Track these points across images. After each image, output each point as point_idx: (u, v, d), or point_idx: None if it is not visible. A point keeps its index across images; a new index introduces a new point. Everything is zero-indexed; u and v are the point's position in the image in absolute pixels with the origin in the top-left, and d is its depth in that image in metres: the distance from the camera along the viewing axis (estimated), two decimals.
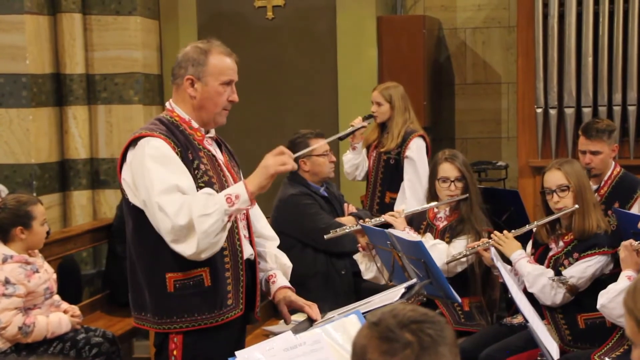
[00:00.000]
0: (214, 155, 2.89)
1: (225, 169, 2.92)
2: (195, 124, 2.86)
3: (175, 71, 2.87)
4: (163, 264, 2.76)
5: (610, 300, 3.26)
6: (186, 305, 2.78)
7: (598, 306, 3.33)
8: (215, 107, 2.84)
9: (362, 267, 4.21)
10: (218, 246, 2.70)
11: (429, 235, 4.15)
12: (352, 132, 4.98)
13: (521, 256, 3.74)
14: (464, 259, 3.93)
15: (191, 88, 2.82)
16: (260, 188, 2.74)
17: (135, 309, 2.91)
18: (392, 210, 4.82)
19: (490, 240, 3.78)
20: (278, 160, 2.74)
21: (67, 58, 5.74)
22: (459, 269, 4.01)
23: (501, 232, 3.84)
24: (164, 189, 2.65)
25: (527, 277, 3.67)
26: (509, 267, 3.74)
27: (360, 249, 4.19)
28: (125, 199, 2.83)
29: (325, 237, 4.19)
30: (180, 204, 2.64)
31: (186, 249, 2.65)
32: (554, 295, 3.62)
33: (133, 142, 2.77)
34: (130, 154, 2.78)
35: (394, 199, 4.95)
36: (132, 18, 5.93)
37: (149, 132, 2.76)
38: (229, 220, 2.70)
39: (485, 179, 6.32)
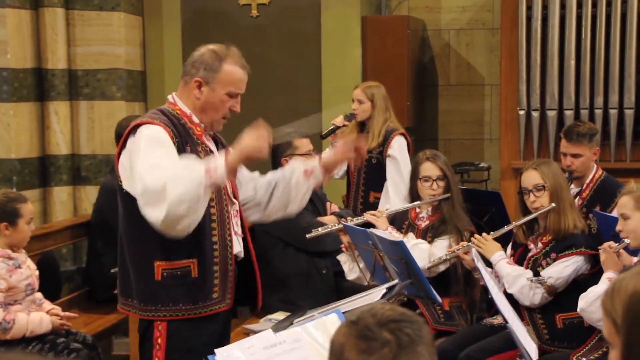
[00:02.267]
0: (211, 151, 2.93)
1: None
2: (196, 119, 2.91)
3: (187, 68, 2.91)
4: (153, 252, 2.81)
5: (590, 304, 3.28)
6: (171, 294, 2.82)
7: (578, 309, 3.36)
8: (215, 114, 2.90)
9: (345, 267, 4.20)
10: (189, 221, 2.63)
11: (411, 235, 4.15)
12: (334, 131, 4.98)
13: (501, 257, 3.76)
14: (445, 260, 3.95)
15: (197, 90, 2.87)
16: (234, 168, 2.72)
17: (123, 295, 2.97)
18: (376, 209, 4.84)
19: (470, 243, 3.80)
20: (256, 146, 2.72)
21: (49, 53, 5.70)
22: (441, 268, 4.03)
23: (482, 233, 3.87)
24: (151, 163, 2.68)
25: (506, 278, 3.70)
26: (489, 268, 3.75)
27: (344, 248, 4.19)
28: (119, 186, 2.87)
29: (307, 236, 4.19)
30: (159, 174, 2.64)
31: (154, 213, 2.62)
32: (532, 295, 3.65)
33: (133, 130, 2.82)
34: (130, 141, 2.82)
35: (379, 199, 4.95)
36: (115, 14, 5.89)
37: (149, 120, 2.81)
38: (204, 193, 2.65)
39: (468, 180, 6.34)
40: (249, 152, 2.72)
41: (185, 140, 2.83)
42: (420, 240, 4.09)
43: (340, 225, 4.11)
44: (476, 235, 3.86)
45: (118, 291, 3.01)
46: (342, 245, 4.20)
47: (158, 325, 2.86)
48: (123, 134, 2.91)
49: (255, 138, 2.73)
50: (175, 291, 2.82)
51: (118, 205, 2.94)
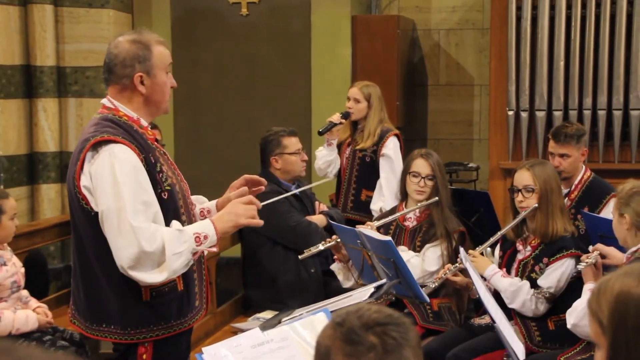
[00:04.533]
0: (164, 153, 2.82)
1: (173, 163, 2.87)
2: (144, 122, 2.75)
3: (116, 70, 2.70)
4: None
5: (581, 319, 3.21)
6: (161, 312, 2.72)
7: (569, 326, 3.28)
8: (163, 97, 2.77)
9: (340, 277, 4.20)
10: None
11: (402, 247, 4.13)
12: (331, 128, 4.98)
13: (494, 272, 3.72)
14: (435, 272, 3.95)
15: (141, 85, 2.71)
16: (225, 234, 2.75)
17: (93, 321, 2.78)
18: (368, 207, 4.85)
19: (457, 265, 3.74)
20: (249, 212, 2.73)
21: (37, 50, 5.67)
22: (431, 286, 4.03)
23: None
24: (137, 209, 2.57)
25: (505, 293, 3.66)
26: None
27: (337, 260, 4.18)
28: (81, 207, 2.68)
29: (300, 257, 4.17)
30: (152, 232, 2.57)
31: (147, 278, 2.59)
32: (535, 308, 3.63)
33: (93, 147, 2.63)
34: (90, 161, 2.65)
35: (370, 197, 4.96)
36: (104, 11, 5.88)
37: (112, 137, 2.62)
38: (193, 258, 2.67)
39: (457, 180, 6.36)
40: (246, 222, 2.73)
41: (147, 151, 2.67)
42: (412, 254, 4.07)
43: (333, 242, 4.07)
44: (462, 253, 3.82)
45: (85, 317, 2.81)
46: (335, 257, 4.19)
47: (144, 341, 2.74)
48: None
49: (246, 204, 2.74)
50: (165, 308, 2.72)
51: (82, 232, 2.73)
